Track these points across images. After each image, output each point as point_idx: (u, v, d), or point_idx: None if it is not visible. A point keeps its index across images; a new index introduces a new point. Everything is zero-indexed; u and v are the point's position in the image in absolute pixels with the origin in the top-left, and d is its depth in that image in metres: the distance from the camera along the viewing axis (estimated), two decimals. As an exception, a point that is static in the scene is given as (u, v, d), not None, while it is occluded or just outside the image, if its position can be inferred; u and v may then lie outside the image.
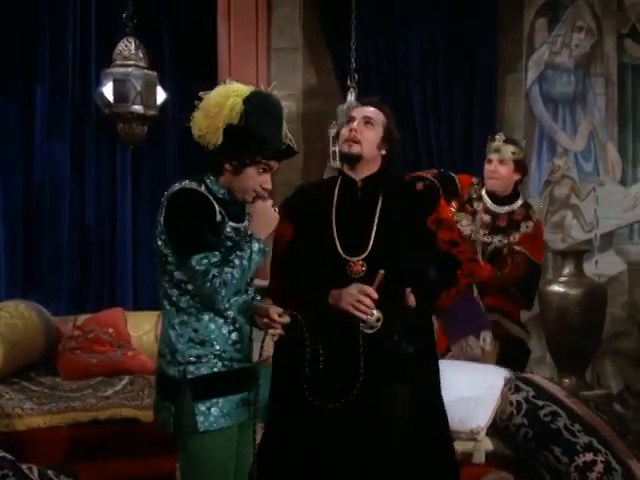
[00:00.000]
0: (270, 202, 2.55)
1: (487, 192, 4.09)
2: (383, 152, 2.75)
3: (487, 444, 3.40)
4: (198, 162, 2.61)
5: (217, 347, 2.49)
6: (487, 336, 3.95)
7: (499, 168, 4.03)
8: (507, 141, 4.07)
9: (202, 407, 2.45)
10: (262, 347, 2.56)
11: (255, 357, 2.58)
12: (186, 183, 2.49)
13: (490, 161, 4.05)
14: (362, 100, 2.86)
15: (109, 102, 4.74)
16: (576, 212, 5.37)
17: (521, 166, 4.08)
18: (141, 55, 4.77)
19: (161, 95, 4.89)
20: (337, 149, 2.86)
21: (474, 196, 4.11)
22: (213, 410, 2.47)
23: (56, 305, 5.16)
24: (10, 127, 5.31)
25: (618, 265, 5.26)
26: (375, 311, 2.57)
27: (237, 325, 2.53)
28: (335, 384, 2.57)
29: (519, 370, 3.77)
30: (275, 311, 2.49)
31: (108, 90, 4.72)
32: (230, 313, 2.51)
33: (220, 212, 2.48)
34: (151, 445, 3.85)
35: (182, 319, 2.49)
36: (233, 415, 2.51)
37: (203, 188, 2.49)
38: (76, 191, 5.46)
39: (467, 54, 5.29)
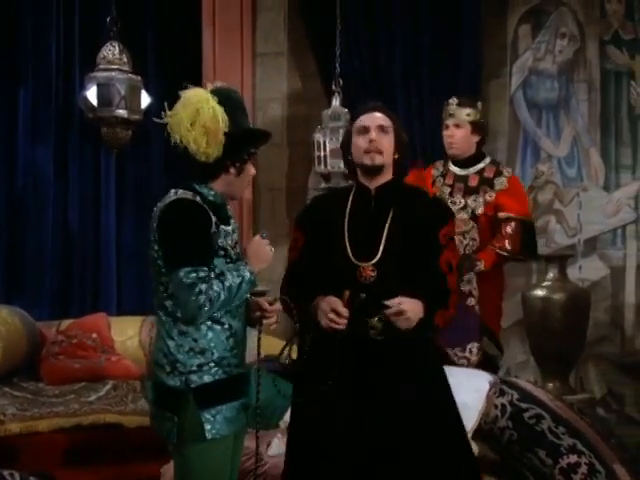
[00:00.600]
0: (267, 241, 2.57)
1: (451, 160, 4.14)
2: (396, 157, 2.72)
3: (473, 448, 3.40)
4: (190, 171, 2.58)
5: (217, 355, 2.49)
6: (474, 347, 3.97)
7: (456, 132, 4.08)
8: (461, 104, 4.10)
9: (208, 415, 2.46)
10: (259, 345, 2.59)
11: (253, 357, 2.61)
12: (181, 193, 2.48)
13: (447, 127, 4.10)
14: (368, 106, 2.76)
15: (93, 106, 4.73)
16: (560, 217, 5.40)
17: (479, 127, 4.11)
18: (125, 59, 4.76)
19: (145, 99, 4.88)
20: (353, 159, 2.69)
21: (438, 174, 4.17)
22: (218, 417, 2.48)
23: (39, 310, 5.14)
24: (-7, 131, 5.30)
25: (601, 270, 5.29)
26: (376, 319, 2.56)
27: (233, 331, 2.53)
28: (327, 367, 2.55)
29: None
30: (266, 301, 2.53)
31: (92, 94, 4.71)
32: (226, 320, 2.51)
33: (216, 222, 2.47)
34: (135, 451, 3.84)
35: (180, 329, 2.48)
36: (235, 421, 2.53)
37: (198, 198, 2.48)
38: (60, 195, 5.44)
39: (451, 59, 5.31)
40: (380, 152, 2.66)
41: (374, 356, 2.58)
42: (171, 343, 2.48)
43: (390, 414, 2.57)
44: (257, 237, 2.58)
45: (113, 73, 4.70)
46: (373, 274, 2.60)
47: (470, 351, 3.96)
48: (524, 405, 3.41)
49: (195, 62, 5.45)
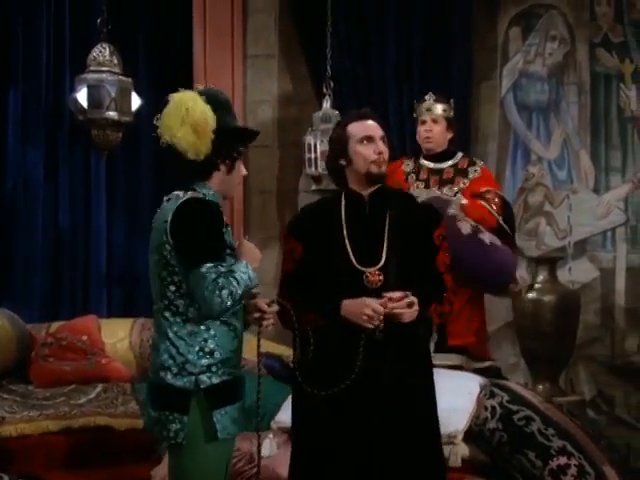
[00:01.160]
0: (253, 244, 2.63)
1: (424, 156, 4.19)
2: None
3: (464, 449, 3.41)
4: (181, 173, 2.63)
5: (224, 356, 2.53)
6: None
7: (434, 127, 4.21)
8: (437, 100, 4.25)
9: (219, 415, 2.50)
10: (259, 346, 2.63)
11: (254, 357, 2.67)
12: (190, 193, 2.54)
13: (424, 122, 4.22)
14: (361, 113, 2.81)
15: (83, 108, 4.70)
16: (550, 219, 5.42)
17: (452, 124, 4.25)
18: (116, 61, 4.74)
19: (136, 101, 4.87)
20: (361, 169, 2.71)
21: (409, 171, 4.22)
22: (226, 417, 2.52)
23: (29, 312, 5.11)
24: (-18, 132, 5.28)
25: (591, 272, 5.30)
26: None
27: (237, 332, 2.58)
28: (328, 373, 2.59)
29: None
30: (264, 303, 2.57)
31: (82, 96, 4.69)
32: (231, 321, 2.55)
33: (225, 221, 2.55)
34: (125, 453, 3.84)
35: (190, 329, 2.51)
36: (239, 421, 2.57)
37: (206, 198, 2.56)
38: (50, 197, 5.42)
39: (442, 62, 5.32)
40: (386, 161, 2.74)
41: (378, 353, 2.61)
42: (181, 343, 2.50)
43: (390, 414, 2.61)
44: (245, 240, 2.63)
45: (103, 75, 4.68)
46: (380, 279, 2.64)
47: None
48: (514, 407, 3.42)
49: (186, 64, 5.43)
